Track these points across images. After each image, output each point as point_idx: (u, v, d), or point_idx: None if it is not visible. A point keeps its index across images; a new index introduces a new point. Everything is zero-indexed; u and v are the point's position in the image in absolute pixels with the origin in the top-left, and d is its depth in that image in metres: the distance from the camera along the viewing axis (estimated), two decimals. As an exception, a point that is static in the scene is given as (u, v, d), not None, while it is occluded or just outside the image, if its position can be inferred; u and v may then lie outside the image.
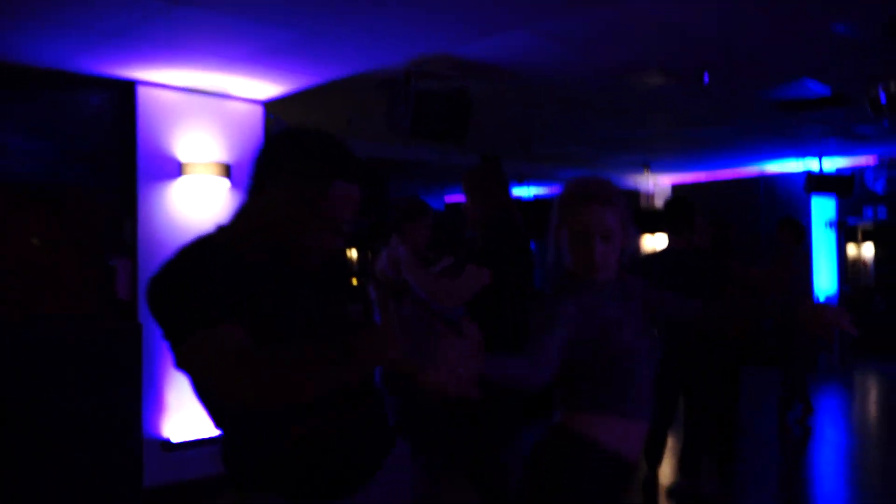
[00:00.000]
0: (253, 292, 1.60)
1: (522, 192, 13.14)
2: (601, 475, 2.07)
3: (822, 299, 11.01)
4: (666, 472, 5.37)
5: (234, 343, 1.48)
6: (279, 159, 1.72)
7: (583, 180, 2.18)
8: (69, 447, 4.42)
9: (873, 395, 9.49)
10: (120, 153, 4.73)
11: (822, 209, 11.12)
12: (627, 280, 2.25)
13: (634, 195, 12.66)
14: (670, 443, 5.79)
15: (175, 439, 4.79)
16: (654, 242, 12.49)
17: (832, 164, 10.58)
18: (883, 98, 4.74)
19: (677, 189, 12.67)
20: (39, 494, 4.32)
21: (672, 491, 4.94)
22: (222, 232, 1.73)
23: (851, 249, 14.70)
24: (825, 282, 11.11)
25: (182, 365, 1.54)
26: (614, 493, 2.10)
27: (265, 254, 1.69)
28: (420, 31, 4.07)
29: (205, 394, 1.64)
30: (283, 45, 4.14)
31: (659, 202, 12.66)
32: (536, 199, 12.66)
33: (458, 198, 14.00)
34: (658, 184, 12.71)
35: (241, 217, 1.74)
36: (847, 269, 13.11)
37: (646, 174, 11.90)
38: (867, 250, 15.21)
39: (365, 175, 1.74)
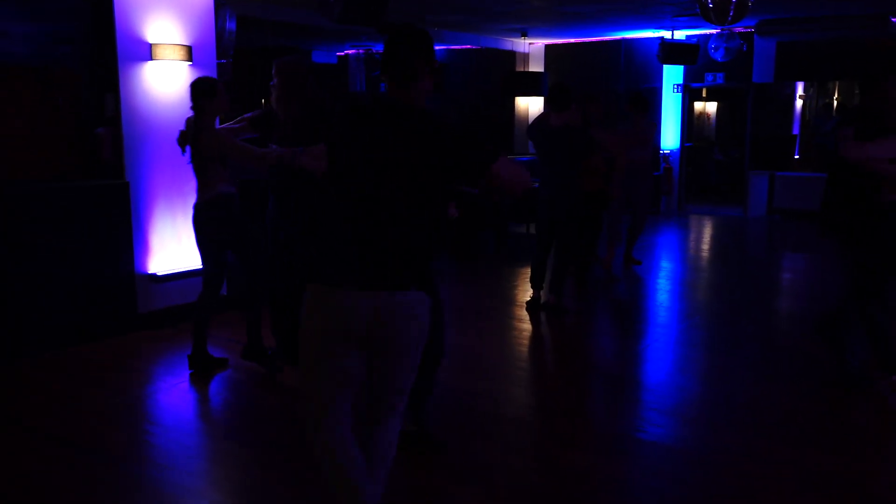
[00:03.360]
0: None
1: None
2: None
3: (668, 152, 12.92)
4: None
5: None
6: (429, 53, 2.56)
7: None
8: (76, 283, 5.54)
9: (706, 233, 11.59)
10: (100, 37, 5.56)
11: (672, 73, 12.79)
12: None
13: (511, 56, 13.92)
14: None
15: (160, 273, 5.97)
16: (528, 103, 13.93)
17: (681, 34, 12.20)
18: (710, 3, 6.19)
19: (550, 50, 14.00)
20: (57, 324, 5.46)
21: (543, 304, 6.59)
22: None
23: (698, 105, 16.73)
24: (671, 138, 12.96)
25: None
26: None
27: None
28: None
29: None
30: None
31: (533, 63, 14.00)
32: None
33: (348, 51, 14.98)
34: (533, 45, 13.98)
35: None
36: (692, 125, 15.06)
37: (522, 39, 13.15)
38: (711, 107, 17.32)
39: None
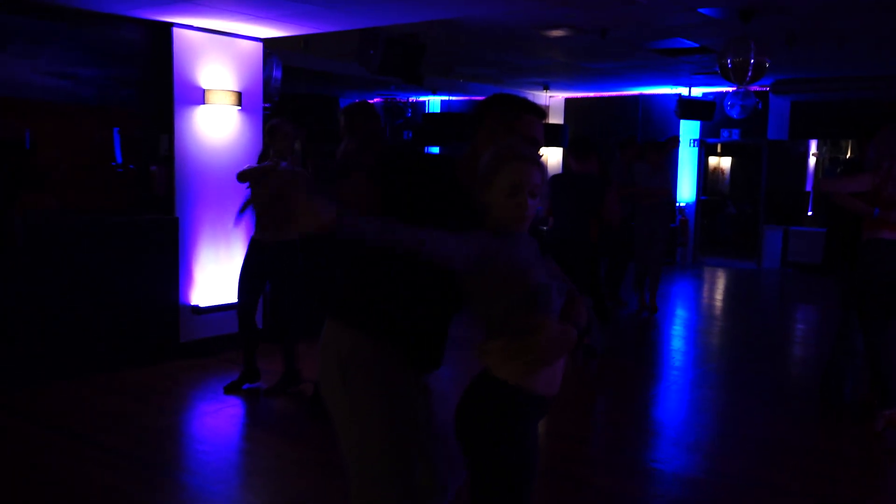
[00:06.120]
0: None
1: (437, 101, 14.77)
2: (526, 417, 2.18)
3: (683, 204, 13.24)
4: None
5: None
6: None
7: (517, 140, 2.25)
8: (124, 312, 5.85)
9: (720, 284, 11.85)
10: (159, 81, 5.97)
11: (689, 128, 13.19)
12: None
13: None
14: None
15: (202, 305, 6.28)
16: (547, 154, 14.33)
17: (698, 91, 12.61)
18: (729, 65, 6.56)
19: (570, 103, 14.45)
20: (106, 347, 5.76)
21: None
22: None
23: (713, 160, 17.12)
24: (687, 191, 13.30)
25: None
26: (533, 428, 2.23)
27: None
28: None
29: None
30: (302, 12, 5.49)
31: (553, 115, 14.44)
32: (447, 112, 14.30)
33: (376, 99, 15.43)
34: (553, 98, 14.43)
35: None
36: (707, 179, 15.41)
37: (544, 91, 13.61)
38: (725, 162, 17.69)
39: None
